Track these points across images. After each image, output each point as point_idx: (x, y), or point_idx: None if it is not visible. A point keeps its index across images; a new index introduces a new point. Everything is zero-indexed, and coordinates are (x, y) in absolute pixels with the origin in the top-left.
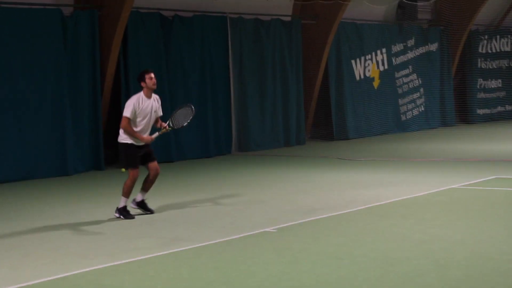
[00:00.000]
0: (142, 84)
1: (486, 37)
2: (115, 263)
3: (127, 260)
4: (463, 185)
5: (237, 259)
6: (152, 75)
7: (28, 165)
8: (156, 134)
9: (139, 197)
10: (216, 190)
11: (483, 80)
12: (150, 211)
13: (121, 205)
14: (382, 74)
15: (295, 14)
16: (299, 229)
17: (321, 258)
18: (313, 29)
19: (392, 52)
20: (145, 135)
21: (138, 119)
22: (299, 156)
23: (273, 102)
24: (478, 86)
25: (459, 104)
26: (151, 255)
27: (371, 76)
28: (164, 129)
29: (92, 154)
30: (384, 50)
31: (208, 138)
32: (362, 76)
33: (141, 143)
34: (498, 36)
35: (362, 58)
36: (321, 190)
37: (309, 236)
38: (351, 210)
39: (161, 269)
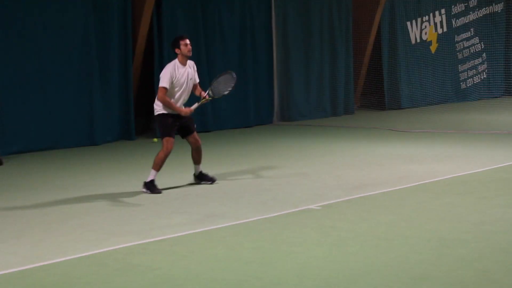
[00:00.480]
0: (177, 50)
1: None
2: (145, 241)
3: (157, 238)
4: None
5: (277, 239)
6: (187, 41)
7: (53, 133)
8: (196, 105)
9: (196, 171)
10: (255, 162)
11: None
12: (212, 180)
13: (149, 178)
14: (440, 38)
15: None
16: (346, 206)
17: (370, 238)
18: None
19: (452, 13)
20: (183, 106)
21: (176, 89)
22: (347, 127)
23: (319, 68)
24: None
25: None
26: (183, 233)
27: (428, 40)
28: (204, 99)
29: (122, 122)
30: (443, 10)
31: (248, 107)
32: (418, 40)
33: (176, 112)
34: None
35: (419, 19)
36: (370, 164)
37: (357, 215)
38: (403, 186)
39: (195, 249)
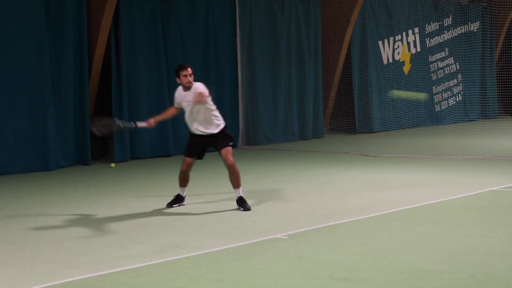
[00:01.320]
0: (177, 80)
1: None
2: (102, 273)
3: (115, 270)
4: (506, 187)
5: (241, 270)
6: (188, 71)
7: (3, 158)
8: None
9: (237, 194)
10: (219, 189)
11: None
12: (247, 208)
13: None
14: (414, 58)
15: None
16: (314, 235)
17: (339, 270)
18: (334, 5)
19: (426, 32)
20: (200, 126)
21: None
22: (315, 152)
23: (287, 89)
24: None
25: (503, 93)
26: (142, 264)
27: (401, 60)
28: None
29: (77, 146)
30: (416, 29)
31: None
32: (390, 60)
33: (198, 132)
34: None
35: (391, 39)
36: (340, 191)
37: (326, 244)
38: (374, 214)
39: (154, 281)
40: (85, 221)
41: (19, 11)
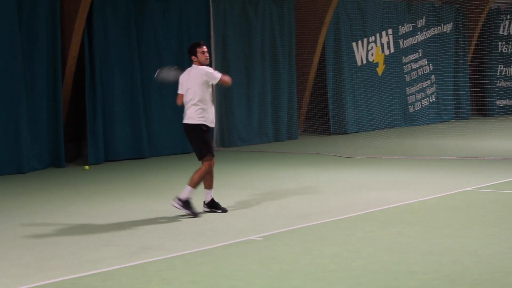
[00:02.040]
0: (193, 58)
1: (509, 17)
2: (75, 275)
3: (88, 273)
4: (479, 188)
5: (216, 272)
6: (205, 48)
7: None
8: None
9: (206, 197)
10: (193, 191)
11: (504, 66)
12: (223, 210)
13: (185, 195)
14: (388, 59)
15: None
16: (289, 237)
17: (313, 271)
18: (308, 6)
19: (400, 34)
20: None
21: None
22: (290, 153)
23: (261, 90)
24: (498, 74)
25: (476, 94)
26: (116, 267)
27: (375, 61)
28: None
29: (51, 148)
30: (390, 31)
31: None
32: (364, 61)
33: (212, 125)
34: None
35: (365, 40)
36: (314, 192)
37: (300, 246)
38: (349, 215)
39: (128, 283)
40: (59, 224)
41: None
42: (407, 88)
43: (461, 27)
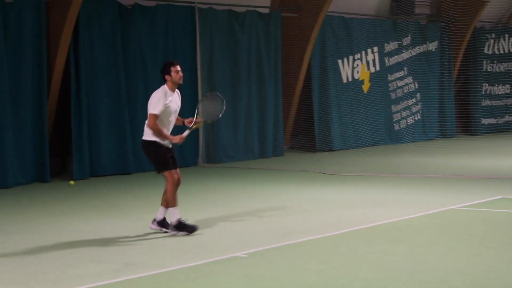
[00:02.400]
0: (167, 77)
1: (493, 35)
2: None
3: None
4: (464, 206)
5: None
6: (179, 67)
7: None
8: (187, 131)
9: (160, 215)
10: (179, 207)
11: (489, 85)
12: (172, 230)
13: (173, 219)
14: (373, 77)
15: (274, 6)
16: (274, 254)
17: None
18: (294, 23)
19: (385, 52)
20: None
21: (166, 117)
22: (275, 170)
23: (247, 107)
24: (483, 92)
25: (461, 112)
26: (101, 283)
27: (360, 79)
28: (195, 125)
29: (36, 163)
30: (375, 48)
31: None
32: (349, 79)
33: (169, 145)
34: (506, 35)
35: (350, 57)
36: (300, 210)
37: (285, 263)
38: (334, 233)
39: None
40: (43, 239)
41: None
42: (392, 105)
43: (446, 46)
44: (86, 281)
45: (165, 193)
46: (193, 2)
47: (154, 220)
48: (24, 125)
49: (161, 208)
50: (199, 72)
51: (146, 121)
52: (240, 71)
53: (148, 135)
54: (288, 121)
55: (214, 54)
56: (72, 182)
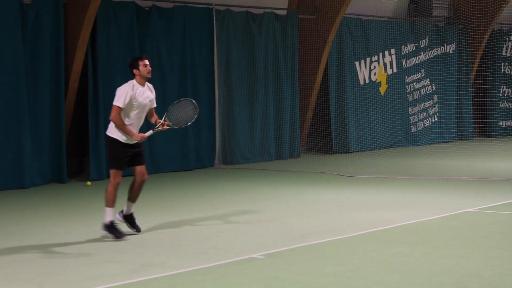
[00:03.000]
0: (135, 71)
1: (511, 38)
2: None
3: None
4: (481, 209)
5: None
6: (147, 61)
7: None
8: (151, 132)
9: (126, 209)
10: (195, 208)
11: (507, 87)
12: (137, 229)
13: (106, 219)
14: (390, 79)
15: (292, 8)
16: (290, 256)
17: None
18: (311, 25)
19: (402, 54)
20: (136, 131)
21: (133, 110)
22: (292, 171)
23: (263, 108)
24: (500, 95)
25: (478, 114)
26: (117, 284)
27: (377, 81)
28: (161, 126)
29: (53, 164)
30: (393, 50)
31: (188, 148)
32: (367, 81)
33: (132, 141)
34: None
35: (368, 59)
36: (316, 211)
37: (302, 265)
38: (350, 235)
39: None
40: (60, 239)
41: None
42: (409, 107)
43: (464, 48)
44: (102, 281)
45: (131, 188)
46: (211, 4)
47: (121, 212)
48: (42, 126)
49: (128, 204)
50: (216, 73)
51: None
52: (257, 73)
53: (109, 130)
54: (304, 122)
55: (231, 55)
56: (89, 183)
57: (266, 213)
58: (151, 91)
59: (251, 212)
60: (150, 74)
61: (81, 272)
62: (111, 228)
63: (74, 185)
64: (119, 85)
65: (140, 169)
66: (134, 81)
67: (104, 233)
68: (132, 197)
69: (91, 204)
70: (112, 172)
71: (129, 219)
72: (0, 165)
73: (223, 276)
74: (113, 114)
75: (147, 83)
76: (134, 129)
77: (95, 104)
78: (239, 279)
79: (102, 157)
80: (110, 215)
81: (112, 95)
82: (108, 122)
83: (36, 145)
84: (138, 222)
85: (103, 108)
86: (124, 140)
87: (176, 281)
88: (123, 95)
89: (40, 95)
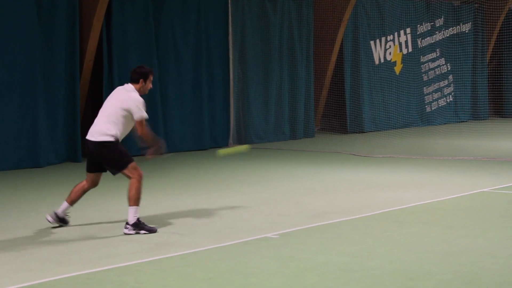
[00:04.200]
0: (141, 81)
1: None
2: (91, 270)
3: (104, 268)
4: (497, 189)
5: (233, 269)
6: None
7: None
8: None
9: (62, 208)
10: (210, 188)
11: None
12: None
13: (132, 218)
14: (405, 58)
15: None
16: (305, 235)
17: (330, 269)
18: (327, 4)
19: (418, 33)
20: None
21: (131, 121)
22: (307, 151)
23: (278, 88)
24: None
25: (494, 94)
26: (132, 262)
27: (393, 60)
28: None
29: (68, 143)
30: (408, 30)
31: (203, 128)
32: (382, 60)
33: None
34: None
35: (383, 39)
36: (331, 191)
37: (317, 244)
38: (366, 214)
39: (144, 279)
40: (75, 218)
41: (10, 8)
42: (424, 87)
43: (480, 27)
44: (118, 260)
45: (80, 190)
46: None
47: (56, 211)
48: (57, 105)
49: (65, 203)
50: (231, 53)
51: (97, 120)
52: (272, 53)
53: (101, 135)
54: (319, 102)
55: (246, 35)
56: None
57: (281, 193)
58: None
59: (266, 191)
60: (147, 92)
61: (96, 251)
62: (140, 224)
63: None
64: (134, 65)
65: (99, 176)
66: (134, 87)
67: (131, 232)
68: (74, 201)
69: (105, 183)
70: (130, 168)
71: (62, 219)
72: (16, 144)
73: (238, 255)
74: (144, 128)
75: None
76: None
77: (110, 83)
78: (254, 259)
79: None
80: (136, 212)
81: (127, 74)
82: None
83: (51, 125)
84: (152, 202)
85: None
86: (120, 139)
87: (191, 260)
88: (143, 105)
89: (55, 75)
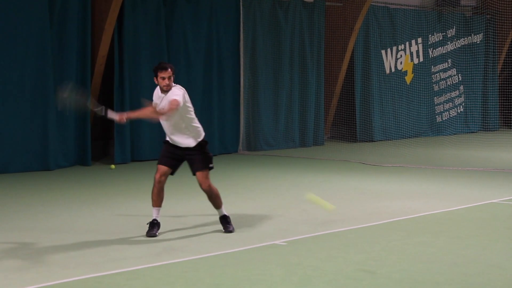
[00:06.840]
0: (154, 80)
1: None
2: (99, 274)
3: (113, 271)
4: (506, 200)
5: (239, 275)
6: (165, 74)
7: (3, 156)
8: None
9: (220, 213)
10: (220, 192)
11: None
12: (227, 229)
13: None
14: (416, 68)
15: None
16: (313, 243)
17: (337, 278)
18: (338, 13)
19: (429, 43)
20: (172, 136)
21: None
22: (316, 159)
23: (288, 95)
24: None
25: (504, 105)
26: (140, 267)
27: (404, 70)
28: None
29: (78, 146)
30: (419, 40)
31: (212, 134)
32: (393, 69)
33: (174, 143)
34: None
35: (394, 48)
36: (339, 199)
37: (324, 252)
38: (373, 223)
39: (152, 284)
40: (84, 221)
41: (23, 11)
42: (435, 97)
43: (491, 38)
44: (126, 264)
45: (209, 199)
46: None
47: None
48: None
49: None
50: (241, 59)
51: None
52: (282, 60)
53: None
54: (329, 110)
55: (257, 42)
56: (113, 166)
57: (289, 200)
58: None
59: (274, 198)
60: (166, 87)
61: (105, 254)
62: (149, 225)
63: (98, 168)
64: (145, 68)
65: (197, 175)
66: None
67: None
68: (213, 206)
69: (115, 187)
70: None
71: (223, 222)
72: (26, 147)
73: (245, 262)
74: (160, 112)
75: (174, 87)
76: (173, 133)
77: (120, 87)
78: (261, 265)
79: (127, 141)
80: (153, 212)
81: (137, 79)
82: (133, 104)
83: (61, 128)
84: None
85: (128, 91)
86: (168, 140)
87: (198, 266)
88: (157, 97)
89: (66, 78)
